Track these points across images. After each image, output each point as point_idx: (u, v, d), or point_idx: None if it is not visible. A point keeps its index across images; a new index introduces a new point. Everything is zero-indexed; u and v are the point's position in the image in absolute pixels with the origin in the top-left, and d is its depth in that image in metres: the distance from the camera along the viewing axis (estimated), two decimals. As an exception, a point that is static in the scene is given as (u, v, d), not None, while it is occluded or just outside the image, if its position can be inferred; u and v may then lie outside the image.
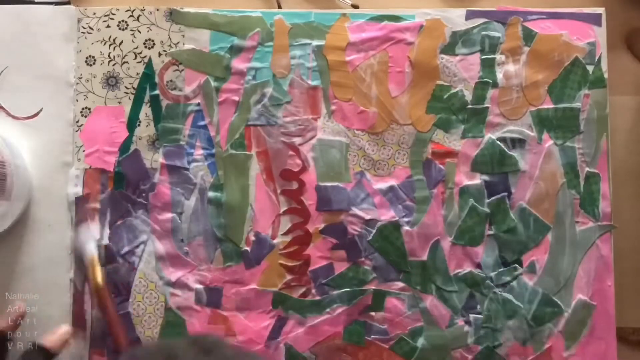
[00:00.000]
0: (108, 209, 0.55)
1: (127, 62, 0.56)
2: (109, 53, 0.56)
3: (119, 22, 0.57)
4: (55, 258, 0.55)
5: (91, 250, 0.54)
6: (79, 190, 0.55)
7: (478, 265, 0.56)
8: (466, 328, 0.55)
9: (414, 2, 0.58)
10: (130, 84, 0.56)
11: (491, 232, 0.56)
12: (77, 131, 0.56)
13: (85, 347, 0.54)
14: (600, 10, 0.57)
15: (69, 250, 0.55)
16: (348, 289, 0.55)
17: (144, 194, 0.56)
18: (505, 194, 0.56)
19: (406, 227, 0.56)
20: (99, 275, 0.53)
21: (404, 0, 0.58)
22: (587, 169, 0.57)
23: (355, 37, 0.57)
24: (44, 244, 0.55)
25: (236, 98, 0.56)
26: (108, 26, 0.57)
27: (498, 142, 0.57)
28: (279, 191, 0.56)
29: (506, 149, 0.57)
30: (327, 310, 0.55)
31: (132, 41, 0.57)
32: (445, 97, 0.57)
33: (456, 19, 0.57)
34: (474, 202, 0.56)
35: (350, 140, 0.57)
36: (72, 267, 0.55)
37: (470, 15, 0.57)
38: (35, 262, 0.54)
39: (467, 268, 0.56)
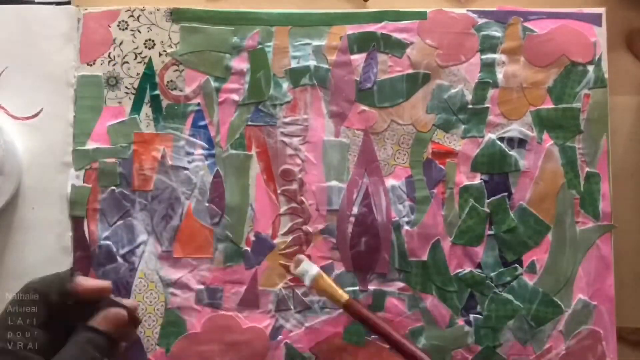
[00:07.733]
0: (108, 209, 0.55)
1: (127, 62, 0.56)
2: (109, 53, 0.56)
3: (119, 22, 0.57)
4: (55, 258, 0.54)
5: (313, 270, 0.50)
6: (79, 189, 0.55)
7: (478, 265, 0.56)
8: (466, 328, 0.55)
9: (415, 2, 0.58)
10: (130, 84, 0.56)
11: (491, 232, 0.56)
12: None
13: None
14: (601, 10, 0.57)
15: (69, 250, 0.55)
16: (348, 289, 0.55)
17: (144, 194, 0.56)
18: (505, 194, 0.56)
19: (406, 227, 0.56)
20: (336, 289, 0.50)
21: (405, 0, 0.58)
22: (587, 169, 0.57)
23: (355, 37, 0.57)
24: (44, 244, 0.55)
25: (236, 98, 0.57)
26: (108, 26, 0.57)
27: (498, 142, 0.57)
28: (279, 191, 0.56)
29: (506, 149, 0.57)
30: (327, 310, 0.55)
31: (132, 41, 0.57)
32: (445, 97, 0.57)
33: (456, 19, 0.57)
34: (474, 202, 0.56)
35: (350, 140, 0.57)
36: (71, 266, 0.55)
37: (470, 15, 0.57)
38: (35, 262, 0.54)
39: (467, 268, 0.56)
